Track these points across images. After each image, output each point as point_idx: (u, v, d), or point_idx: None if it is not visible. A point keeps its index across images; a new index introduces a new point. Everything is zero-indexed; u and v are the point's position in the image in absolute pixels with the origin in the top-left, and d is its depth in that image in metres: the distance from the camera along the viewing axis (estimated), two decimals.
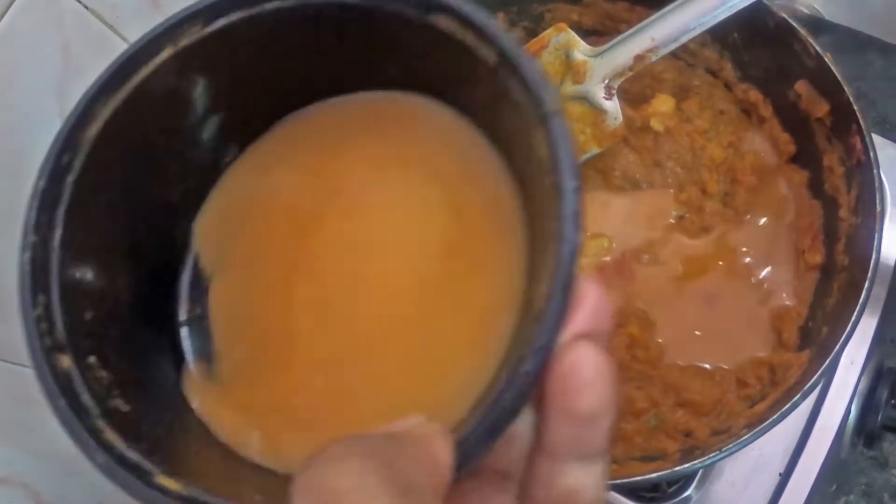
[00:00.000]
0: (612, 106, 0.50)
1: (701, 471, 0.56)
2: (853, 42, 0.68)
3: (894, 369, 0.58)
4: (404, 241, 0.22)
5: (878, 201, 0.44)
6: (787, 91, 0.51)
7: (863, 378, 0.56)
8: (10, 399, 0.56)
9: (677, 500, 0.56)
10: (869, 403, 0.56)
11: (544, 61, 0.51)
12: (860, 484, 0.64)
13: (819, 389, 0.55)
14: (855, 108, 0.46)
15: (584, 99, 0.51)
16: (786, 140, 0.53)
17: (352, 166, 0.23)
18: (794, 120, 0.52)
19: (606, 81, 0.50)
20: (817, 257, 0.49)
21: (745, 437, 0.41)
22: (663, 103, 0.51)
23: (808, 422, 0.55)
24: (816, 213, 0.50)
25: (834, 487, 0.60)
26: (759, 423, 0.41)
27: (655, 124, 0.51)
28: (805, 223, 0.50)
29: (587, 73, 0.50)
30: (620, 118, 0.50)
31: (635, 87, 0.53)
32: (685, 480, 0.56)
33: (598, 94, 0.50)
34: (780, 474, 0.54)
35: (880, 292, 0.57)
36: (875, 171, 0.45)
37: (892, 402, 0.55)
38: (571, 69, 0.51)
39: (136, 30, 0.50)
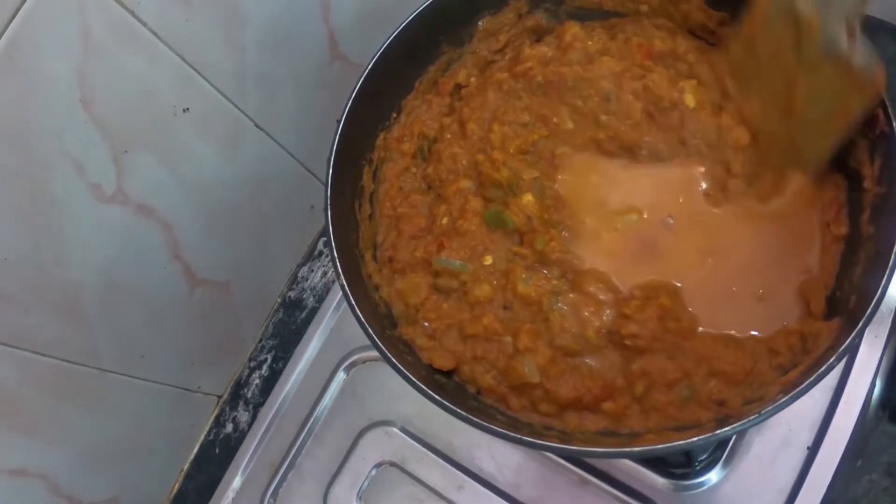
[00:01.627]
0: (862, 48, 0.45)
1: (730, 446, 0.56)
2: (866, 27, 0.69)
3: None
4: None
5: None
6: None
7: (886, 352, 0.56)
8: (28, 389, 0.56)
9: (706, 475, 0.56)
10: (893, 377, 0.56)
11: (770, 35, 0.48)
12: (882, 463, 0.64)
13: (844, 364, 0.56)
14: None
15: (831, 54, 0.46)
16: None
17: None
18: None
19: (845, 24, 0.45)
20: (842, 229, 0.50)
21: (780, 401, 0.41)
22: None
23: (834, 396, 0.56)
24: (840, 186, 0.51)
25: (859, 463, 0.61)
26: (792, 388, 0.42)
27: (689, 100, 0.51)
28: (829, 196, 0.51)
29: (819, 26, 0.45)
30: (875, 57, 0.45)
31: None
32: (714, 456, 0.56)
33: (842, 40, 0.45)
34: (808, 448, 0.55)
35: None
36: None
37: None
38: (802, 29, 0.46)
39: (157, 14, 0.51)
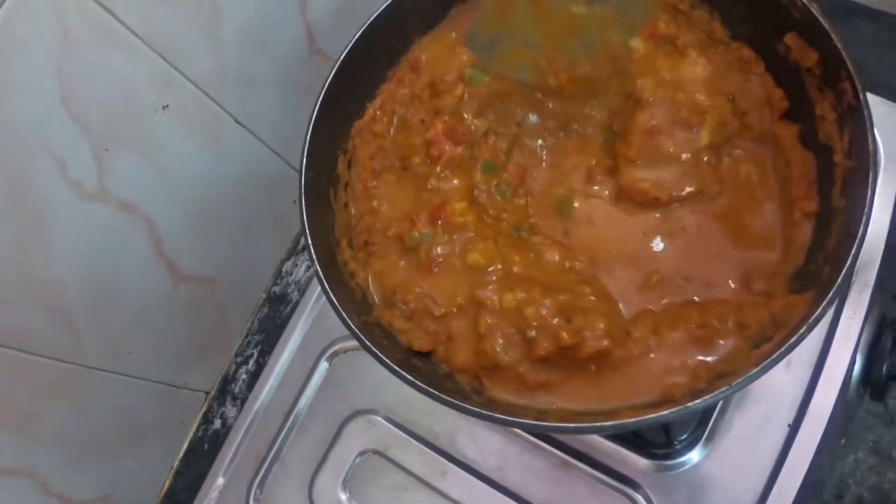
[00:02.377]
0: None
1: (710, 425, 0.56)
2: (842, 9, 0.69)
3: None
4: None
5: (870, 141, 0.45)
6: (776, 46, 0.52)
7: (865, 328, 0.56)
8: (18, 387, 0.56)
9: (688, 454, 0.56)
10: (873, 353, 0.56)
11: None
12: (868, 441, 0.64)
13: (823, 340, 0.56)
14: (843, 53, 0.47)
15: None
16: (779, 96, 0.54)
17: None
18: (784, 74, 0.53)
19: None
20: (812, 205, 0.50)
21: (751, 372, 0.41)
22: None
23: (814, 373, 0.56)
24: (810, 163, 0.51)
25: (843, 442, 0.61)
26: (763, 359, 0.42)
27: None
28: (797, 174, 0.51)
29: None
30: None
31: None
32: (695, 435, 0.56)
33: None
34: (790, 425, 0.55)
35: (878, 244, 0.58)
36: (865, 112, 0.46)
37: None
38: None
39: (134, 12, 0.52)
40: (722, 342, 0.46)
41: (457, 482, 0.59)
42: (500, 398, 0.48)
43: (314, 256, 0.48)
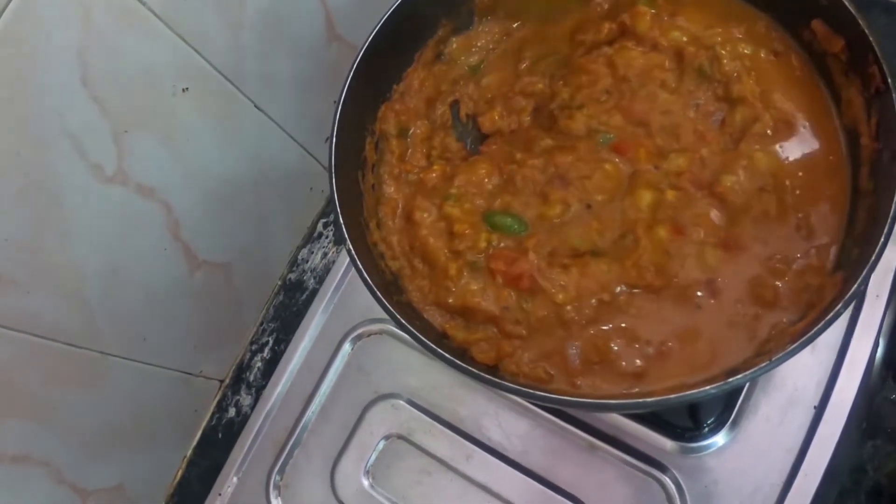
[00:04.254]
0: None
1: (737, 408, 0.56)
2: (858, 2, 0.70)
3: None
4: None
5: None
6: (802, 33, 0.53)
7: (888, 311, 0.57)
8: (33, 373, 0.56)
9: (714, 437, 0.56)
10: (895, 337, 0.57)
11: None
12: (886, 428, 0.65)
13: (847, 323, 0.57)
14: (870, 39, 0.48)
15: None
16: None
17: None
18: (811, 60, 0.53)
19: None
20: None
21: (789, 349, 0.42)
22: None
23: (839, 355, 0.56)
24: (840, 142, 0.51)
25: (864, 425, 0.61)
26: (800, 337, 0.42)
27: None
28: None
29: None
30: None
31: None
32: (722, 418, 0.57)
33: None
34: (815, 407, 0.55)
35: None
36: (894, 95, 0.47)
37: None
38: None
39: None
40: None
41: (482, 466, 0.59)
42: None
43: (347, 236, 0.48)
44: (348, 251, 0.48)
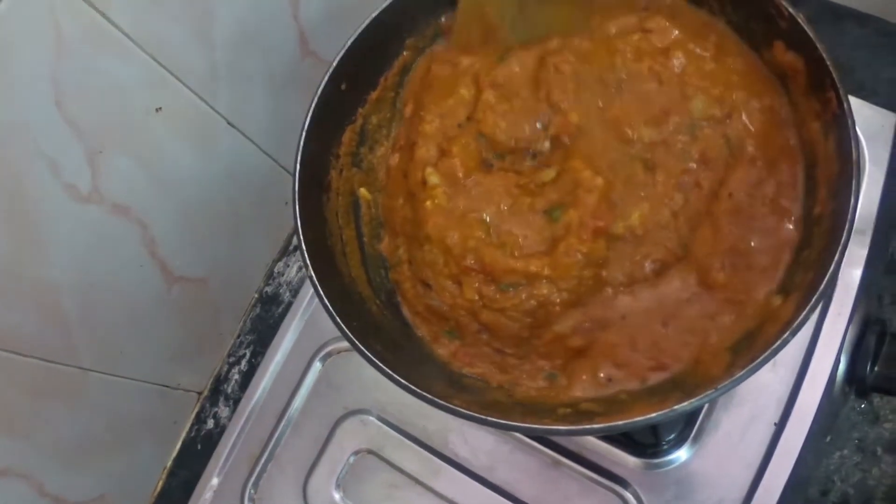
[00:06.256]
0: None
1: (698, 424, 0.57)
2: (831, 14, 0.71)
3: (882, 320, 0.60)
4: None
5: (853, 147, 0.46)
6: (765, 53, 0.53)
7: (850, 328, 0.57)
8: (12, 389, 0.57)
9: (676, 452, 0.57)
10: (857, 353, 0.57)
11: None
12: (853, 438, 0.66)
13: (808, 340, 0.57)
14: (828, 63, 0.48)
15: None
16: None
17: None
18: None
19: None
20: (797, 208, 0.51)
21: (736, 376, 0.42)
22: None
23: (800, 372, 0.57)
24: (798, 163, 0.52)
25: (828, 439, 0.62)
26: (750, 361, 0.43)
27: None
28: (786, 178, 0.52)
29: None
30: None
31: None
32: (683, 434, 0.57)
33: None
34: (776, 424, 0.56)
35: (863, 245, 0.59)
36: (849, 120, 0.47)
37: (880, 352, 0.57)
38: None
39: (128, 16, 0.52)
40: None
41: (449, 481, 0.60)
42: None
43: (308, 262, 0.49)
44: (310, 277, 0.49)
